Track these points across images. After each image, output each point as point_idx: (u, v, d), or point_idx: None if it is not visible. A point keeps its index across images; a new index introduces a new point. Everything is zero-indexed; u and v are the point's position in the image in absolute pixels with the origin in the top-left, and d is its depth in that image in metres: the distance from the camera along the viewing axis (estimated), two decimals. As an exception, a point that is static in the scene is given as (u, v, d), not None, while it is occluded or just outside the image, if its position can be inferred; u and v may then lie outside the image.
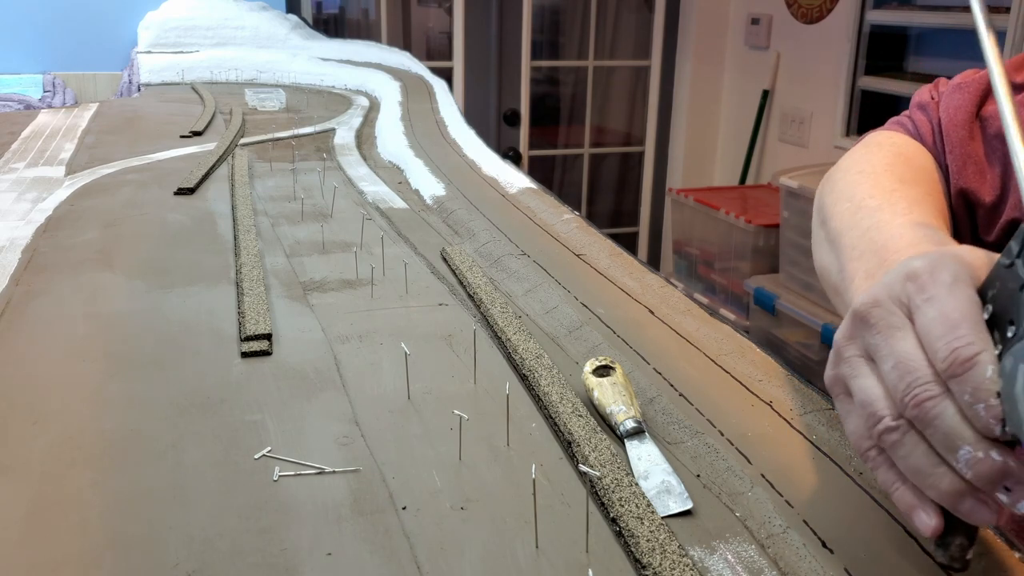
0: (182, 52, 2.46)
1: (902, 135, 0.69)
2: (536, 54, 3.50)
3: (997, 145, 0.60)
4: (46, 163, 1.41)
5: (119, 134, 1.66)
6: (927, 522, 0.38)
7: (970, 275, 0.38)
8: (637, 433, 0.58)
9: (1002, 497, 0.35)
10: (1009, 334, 0.35)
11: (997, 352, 0.35)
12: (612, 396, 0.61)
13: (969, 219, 0.64)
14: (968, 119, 0.63)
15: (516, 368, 0.69)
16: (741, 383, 0.66)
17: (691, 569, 0.45)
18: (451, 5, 3.32)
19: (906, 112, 0.72)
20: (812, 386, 0.65)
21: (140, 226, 1.07)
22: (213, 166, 1.36)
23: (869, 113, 2.78)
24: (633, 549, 0.47)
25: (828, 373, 0.43)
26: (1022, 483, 0.35)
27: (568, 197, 2.93)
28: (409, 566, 0.47)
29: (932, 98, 0.69)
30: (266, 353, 0.71)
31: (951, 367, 0.35)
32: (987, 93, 0.63)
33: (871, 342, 0.39)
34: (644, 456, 0.56)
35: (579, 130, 3.70)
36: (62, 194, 1.21)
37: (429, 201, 1.21)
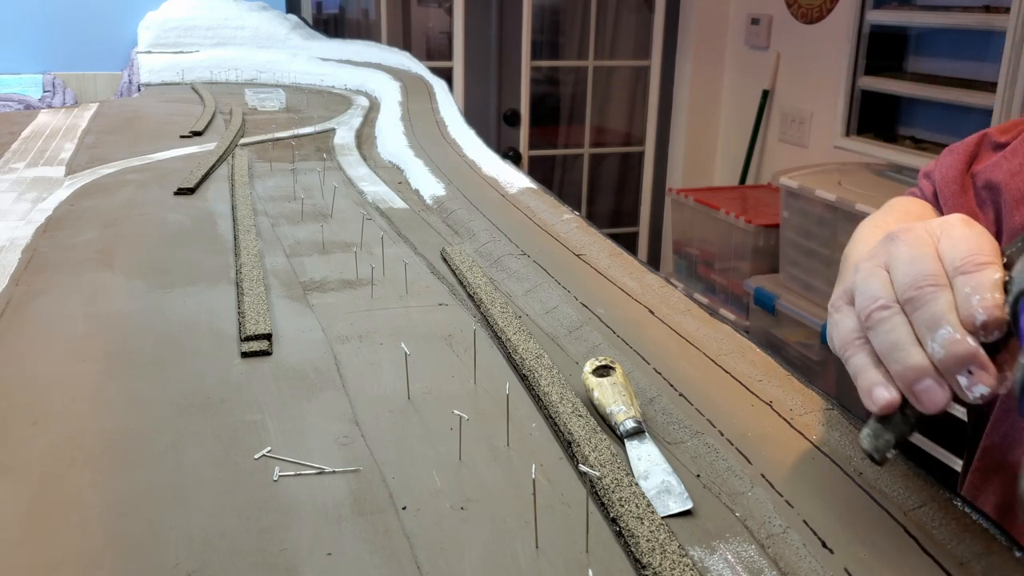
0: (182, 52, 2.46)
1: (916, 199, 0.74)
2: (536, 54, 3.50)
3: (986, 195, 0.65)
4: (46, 163, 1.41)
5: (119, 134, 1.66)
6: (884, 395, 0.42)
7: (988, 236, 0.43)
8: (637, 433, 0.58)
9: (961, 379, 0.39)
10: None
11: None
12: (612, 396, 0.61)
13: None
14: (959, 175, 0.68)
15: (516, 368, 0.69)
16: (741, 383, 0.66)
17: (691, 569, 0.45)
18: (451, 5, 3.32)
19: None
20: (812, 386, 0.65)
21: (140, 226, 1.07)
22: (213, 166, 1.36)
23: (869, 113, 2.78)
24: (633, 549, 0.47)
25: (837, 291, 0.47)
26: (983, 369, 0.39)
27: (568, 197, 2.93)
28: (409, 566, 0.47)
29: (934, 167, 0.76)
30: (266, 353, 0.71)
31: (965, 265, 0.40)
32: (975, 153, 0.69)
33: (894, 251, 0.44)
34: (644, 456, 0.56)
35: (579, 130, 3.70)
36: (62, 194, 1.21)
37: (429, 201, 1.21)
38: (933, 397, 0.41)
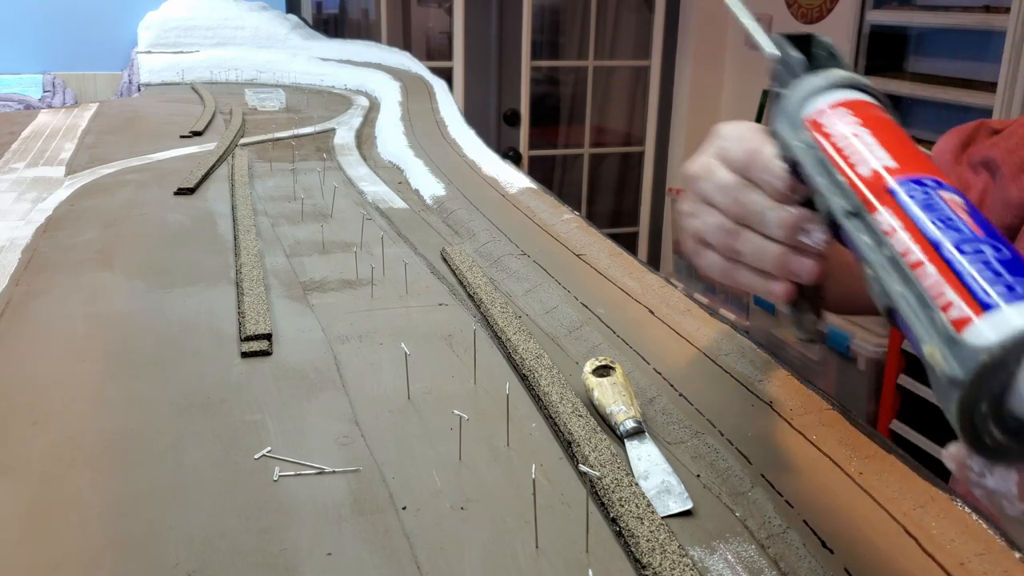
0: (182, 52, 2.46)
1: None
2: (536, 54, 3.50)
3: (980, 169, 0.70)
4: (46, 163, 1.41)
5: (119, 134, 1.66)
6: (778, 288, 0.48)
7: (756, 127, 0.50)
8: (637, 433, 0.58)
9: (806, 239, 0.46)
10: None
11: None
12: (612, 396, 0.61)
13: None
14: (955, 149, 0.72)
15: (516, 368, 0.69)
16: (741, 383, 0.66)
17: (691, 569, 0.45)
18: (451, 5, 3.32)
19: None
20: (812, 386, 0.65)
21: (140, 226, 1.07)
22: (213, 166, 1.36)
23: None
24: (633, 549, 0.47)
25: (686, 237, 0.53)
26: (813, 222, 0.45)
27: (568, 197, 2.93)
28: (409, 566, 0.47)
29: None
30: (266, 353, 0.71)
31: (745, 158, 0.48)
32: (972, 137, 0.73)
33: (700, 188, 0.51)
34: (644, 456, 0.56)
35: (579, 130, 3.70)
36: (62, 194, 1.21)
37: (429, 201, 1.21)
38: (804, 266, 0.47)
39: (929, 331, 0.32)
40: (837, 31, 2.89)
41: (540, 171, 3.70)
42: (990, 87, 2.23)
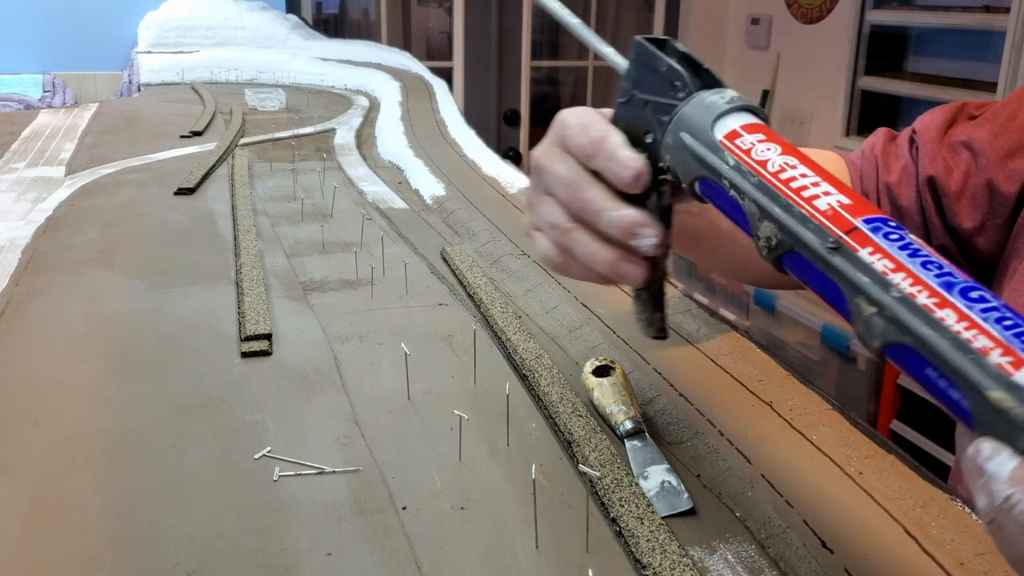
0: (182, 52, 2.46)
1: (835, 156, 0.76)
2: (536, 54, 3.50)
3: (961, 150, 0.69)
4: (46, 163, 1.41)
5: (119, 134, 1.66)
6: (635, 270, 0.47)
7: (600, 113, 0.48)
8: (637, 433, 0.58)
9: (640, 242, 0.46)
10: (648, 140, 0.45)
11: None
12: (612, 396, 0.61)
13: (936, 205, 0.69)
14: (940, 126, 0.71)
15: (516, 368, 0.69)
16: (741, 383, 0.66)
17: (691, 569, 0.45)
18: (451, 5, 3.32)
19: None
20: (812, 386, 0.65)
21: (140, 226, 1.07)
22: (213, 166, 1.36)
23: (869, 113, 2.78)
24: (633, 549, 0.47)
25: (525, 222, 0.53)
26: (650, 226, 0.45)
27: (568, 197, 2.92)
28: (409, 566, 0.47)
29: (877, 138, 0.77)
30: (266, 353, 0.71)
31: (590, 147, 0.46)
32: (955, 117, 0.72)
33: (540, 179, 0.50)
34: (644, 456, 0.56)
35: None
36: (62, 194, 1.21)
37: (429, 201, 1.21)
38: (631, 272, 0.47)
39: (984, 376, 0.31)
40: (837, 31, 2.89)
41: (540, 171, 3.69)
42: (990, 87, 2.23)
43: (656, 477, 0.54)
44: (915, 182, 0.70)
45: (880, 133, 0.76)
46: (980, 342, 0.32)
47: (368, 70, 2.34)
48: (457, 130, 1.65)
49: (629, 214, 0.46)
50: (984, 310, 0.33)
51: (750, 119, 0.42)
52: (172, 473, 0.55)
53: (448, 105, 1.89)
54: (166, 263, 0.93)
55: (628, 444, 0.57)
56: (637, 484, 0.52)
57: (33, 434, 0.59)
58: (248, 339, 0.73)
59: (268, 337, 0.73)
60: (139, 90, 2.34)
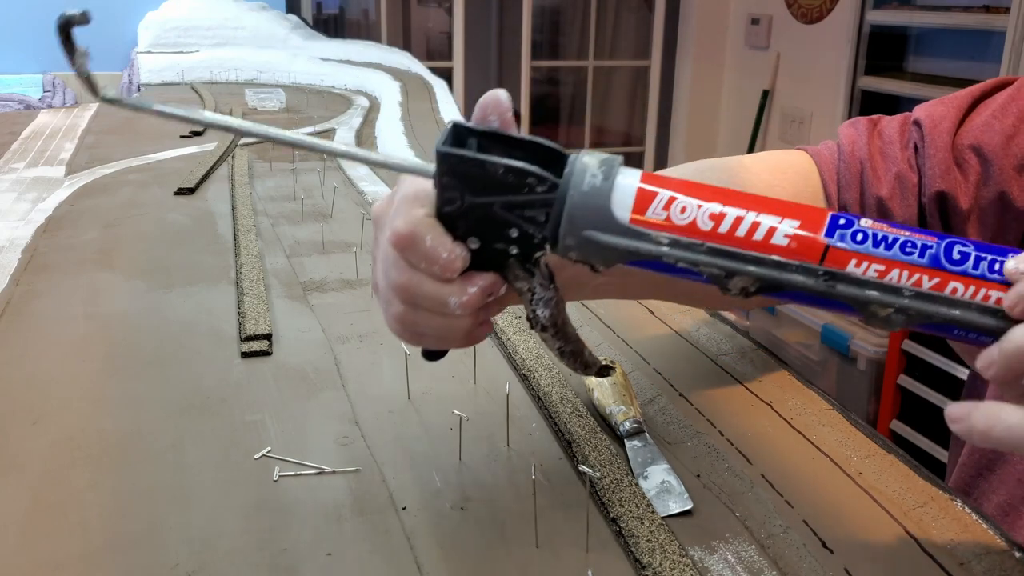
0: (182, 52, 2.46)
1: (798, 156, 0.67)
2: (536, 54, 3.50)
3: (970, 157, 0.59)
4: (46, 163, 1.41)
5: (119, 134, 1.66)
6: (489, 328, 0.46)
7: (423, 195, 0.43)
8: (637, 433, 0.58)
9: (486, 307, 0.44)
10: (514, 235, 0.41)
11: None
12: (612, 396, 0.61)
13: (943, 224, 0.61)
14: (954, 124, 0.61)
15: (516, 368, 0.69)
16: (741, 383, 0.66)
17: (691, 569, 0.45)
18: (451, 5, 3.32)
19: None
20: (812, 386, 0.65)
21: (140, 226, 1.07)
22: (213, 166, 1.36)
23: (869, 113, 2.78)
24: (633, 549, 0.47)
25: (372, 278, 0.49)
26: (497, 286, 0.43)
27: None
28: (409, 566, 0.47)
29: (851, 128, 0.67)
30: (266, 353, 0.71)
31: (397, 245, 0.42)
32: (967, 111, 0.62)
33: (377, 277, 0.46)
34: (644, 456, 0.56)
35: (579, 130, 3.70)
36: (62, 194, 1.21)
37: (429, 201, 1.21)
38: (483, 334, 0.46)
39: (1008, 323, 0.35)
40: (837, 31, 2.89)
41: (540, 171, 3.70)
42: (990, 87, 2.23)
43: (656, 477, 0.54)
44: (915, 196, 0.61)
45: (859, 125, 0.66)
46: (993, 296, 0.36)
47: (368, 70, 2.33)
48: (457, 130, 1.64)
49: (476, 286, 0.42)
50: (975, 263, 0.36)
51: (627, 178, 0.39)
52: (172, 473, 0.55)
53: (448, 105, 1.89)
54: (166, 263, 0.93)
55: (628, 444, 0.57)
56: (637, 484, 0.52)
57: (33, 434, 0.59)
58: (248, 339, 0.73)
59: (268, 337, 0.73)
60: (139, 90, 2.34)
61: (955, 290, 0.36)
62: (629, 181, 0.39)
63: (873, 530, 0.49)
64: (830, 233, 0.37)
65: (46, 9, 2.72)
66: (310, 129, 1.73)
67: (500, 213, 0.41)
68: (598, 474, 0.53)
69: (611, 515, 0.50)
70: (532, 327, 0.44)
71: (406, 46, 3.16)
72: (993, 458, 0.63)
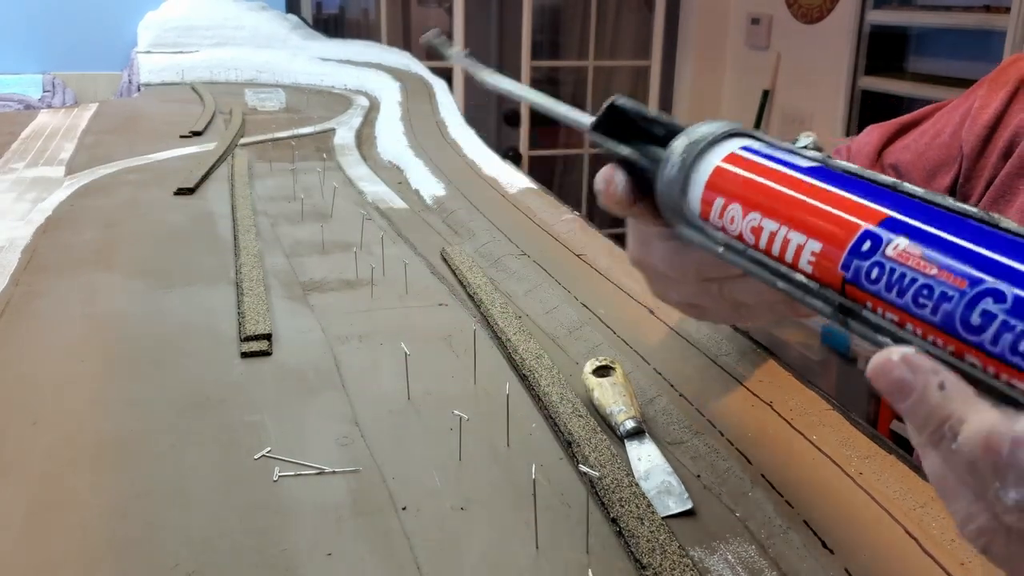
0: (182, 52, 2.46)
1: None
2: (536, 54, 3.50)
3: (890, 171, 0.69)
4: (46, 163, 1.40)
5: (119, 134, 1.66)
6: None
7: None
8: (637, 433, 0.58)
9: None
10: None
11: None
12: (612, 396, 0.61)
13: None
14: (878, 145, 0.71)
15: (516, 368, 0.69)
16: (741, 383, 0.66)
17: (691, 569, 0.45)
18: (451, 5, 3.32)
19: None
20: (812, 386, 0.65)
21: (140, 226, 1.07)
22: (213, 166, 1.36)
23: (869, 113, 2.78)
24: (633, 549, 0.47)
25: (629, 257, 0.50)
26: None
27: (568, 197, 2.93)
28: (409, 566, 0.47)
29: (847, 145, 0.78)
30: (266, 353, 0.71)
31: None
32: (893, 137, 0.72)
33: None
34: (644, 456, 0.56)
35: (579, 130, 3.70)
36: (62, 194, 1.21)
37: (429, 201, 1.21)
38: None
39: None
40: (837, 31, 2.89)
41: (540, 171, 3.70)
42: (990, 87, 2.23)
43: (656, 477, 0.54)
44: None
45: (872, 134, 0.74)
46: (1006, 375, 0.30)
47: (368, 70, 2.33)
48: (457, 130, 1.65)
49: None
50: (992, 340, 0.30)
51: (700, 171, 0.41)
52: (172, 473, 0.55)
53: (448, 105, 1.89)
54: (166, 263, 0.93)
55: (628, 444, 0.57)
56: (637, 484, 0.52)
57: (33, 434, 0.59)
58: (248, 339, 0.73)
59: (268, 337, 0.73)
60: (139, 90, 2.34)
61: (973, 364, 0.31)
62: (701, 175, 0.40)
63: (873, 530, 0.49)
64: (847, 264, 0.35)
65: (46, 9, 2.72)
66: (310, 129, 1.73)
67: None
68: (598, 474, 0.53)
69: (611, 515, 0.50)
70: None
71: (406, 46, 3.16)
72: None
